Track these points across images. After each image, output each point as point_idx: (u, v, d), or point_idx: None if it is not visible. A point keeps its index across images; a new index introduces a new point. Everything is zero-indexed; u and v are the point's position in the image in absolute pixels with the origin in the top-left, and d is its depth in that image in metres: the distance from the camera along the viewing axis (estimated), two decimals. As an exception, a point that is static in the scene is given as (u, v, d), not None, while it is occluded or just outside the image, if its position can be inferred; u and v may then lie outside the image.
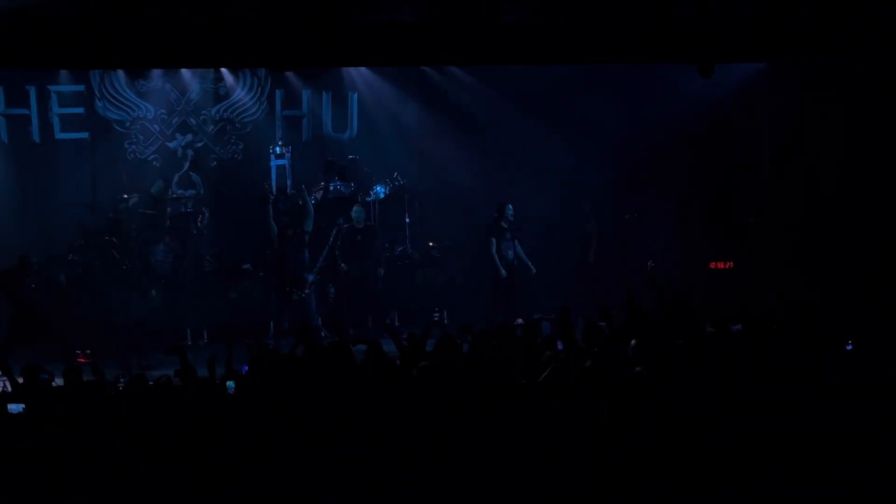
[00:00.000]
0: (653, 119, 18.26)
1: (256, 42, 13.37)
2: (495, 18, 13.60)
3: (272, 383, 8.99)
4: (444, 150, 18.97)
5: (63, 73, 18.00)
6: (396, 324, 16.62)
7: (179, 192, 18.30)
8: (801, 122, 17.15)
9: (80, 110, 18.30)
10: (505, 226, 16.86)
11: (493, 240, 16.79)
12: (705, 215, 17.98)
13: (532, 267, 16.98)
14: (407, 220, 18.35)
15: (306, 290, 15.31)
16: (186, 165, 18.53)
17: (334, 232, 16.65)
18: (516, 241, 16.99)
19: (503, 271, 16.73)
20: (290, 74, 18.43)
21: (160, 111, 18.52)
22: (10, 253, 15.51)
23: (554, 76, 17.98)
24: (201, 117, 18.66)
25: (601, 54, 14.41)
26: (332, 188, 17.90)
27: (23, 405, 9.12)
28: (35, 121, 18.19)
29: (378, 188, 18.09)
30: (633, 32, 14.07)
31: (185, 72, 18.36)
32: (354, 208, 16.99)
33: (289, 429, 8.06)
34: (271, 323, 16.49)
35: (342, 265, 16.49)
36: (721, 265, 17.60)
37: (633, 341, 9.81)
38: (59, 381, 10.41)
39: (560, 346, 10.39)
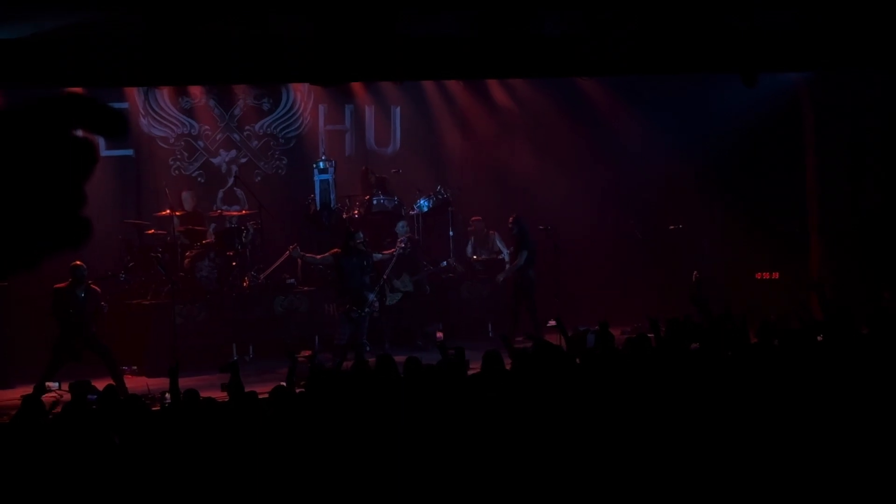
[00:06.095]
0: (696, 129, 18.22)
1: (295, 57, 13.38)
2: (540, 32, 13.58)
3: (324, 399, 9.01)
4: (489, 163, 19.08)
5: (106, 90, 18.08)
6: (442, 337, 16.57)
7: (224, 207, 18.35)
8: (847, 132, 17.04)
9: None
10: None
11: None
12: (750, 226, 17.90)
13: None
14: (451, 233, 18.33)
15: (366, 309, 15.10)
16: (231, 181, 18.60)
17: (398, 252, 16.46)
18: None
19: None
20: (332, 89, 18.46)
21: (204, 127, 18.59)
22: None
23: (599, 87, 17.97)
24: (245, 133, 18.74)
25: (646, 65, 14.36)
26: (375, 202, 17.93)
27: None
28: (80, 138, 18.31)
29: (422, 202, 18.10)
30: (678, 42, 14.01)
31: (228, 88, 18.42)
32: (399, 223, 17.01)
33: (336, 444, 8.09)
34: (316, 337, 16.53)
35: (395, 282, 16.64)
36: (767, 276, 17.48)
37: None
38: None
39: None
